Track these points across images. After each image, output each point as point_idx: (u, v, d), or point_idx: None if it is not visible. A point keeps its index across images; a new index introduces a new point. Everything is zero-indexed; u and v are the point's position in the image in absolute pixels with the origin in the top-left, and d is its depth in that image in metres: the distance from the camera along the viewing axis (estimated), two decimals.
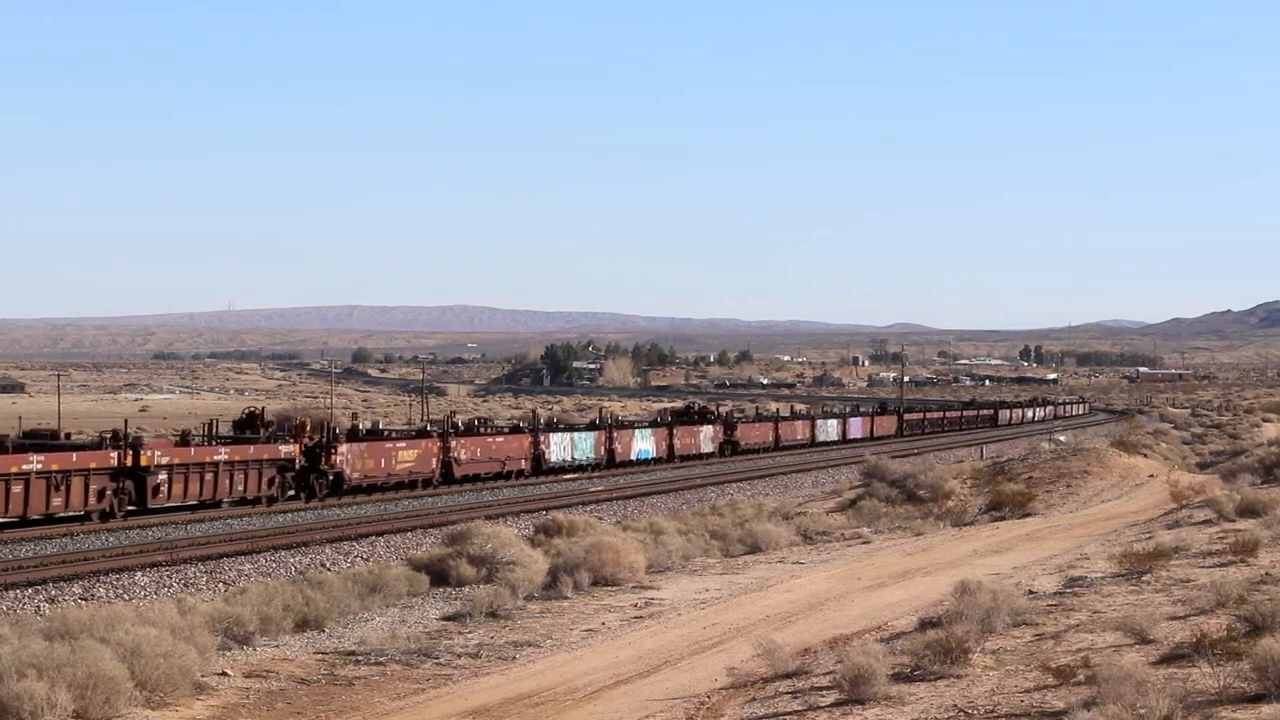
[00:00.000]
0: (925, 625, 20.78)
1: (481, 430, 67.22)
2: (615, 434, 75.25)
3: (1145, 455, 66.04)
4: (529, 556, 31.89)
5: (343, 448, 52.60)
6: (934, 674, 17.52)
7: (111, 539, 38.76)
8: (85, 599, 28.59)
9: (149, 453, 43.58)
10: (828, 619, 25.29)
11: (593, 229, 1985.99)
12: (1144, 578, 24.53)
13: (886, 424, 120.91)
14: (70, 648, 18.75)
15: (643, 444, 78.00)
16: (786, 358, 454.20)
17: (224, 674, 21.23)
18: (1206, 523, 34.71)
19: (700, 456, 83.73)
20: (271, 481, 48.73)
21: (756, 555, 37.53)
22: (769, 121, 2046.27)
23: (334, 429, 53.79)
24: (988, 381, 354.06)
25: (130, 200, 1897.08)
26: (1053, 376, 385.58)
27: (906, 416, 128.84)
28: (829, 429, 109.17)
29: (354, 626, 25.99)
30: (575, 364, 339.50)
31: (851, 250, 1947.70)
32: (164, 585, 30.88)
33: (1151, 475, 55.98)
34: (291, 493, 50.04)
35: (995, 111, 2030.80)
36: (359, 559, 35.96)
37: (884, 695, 16.65)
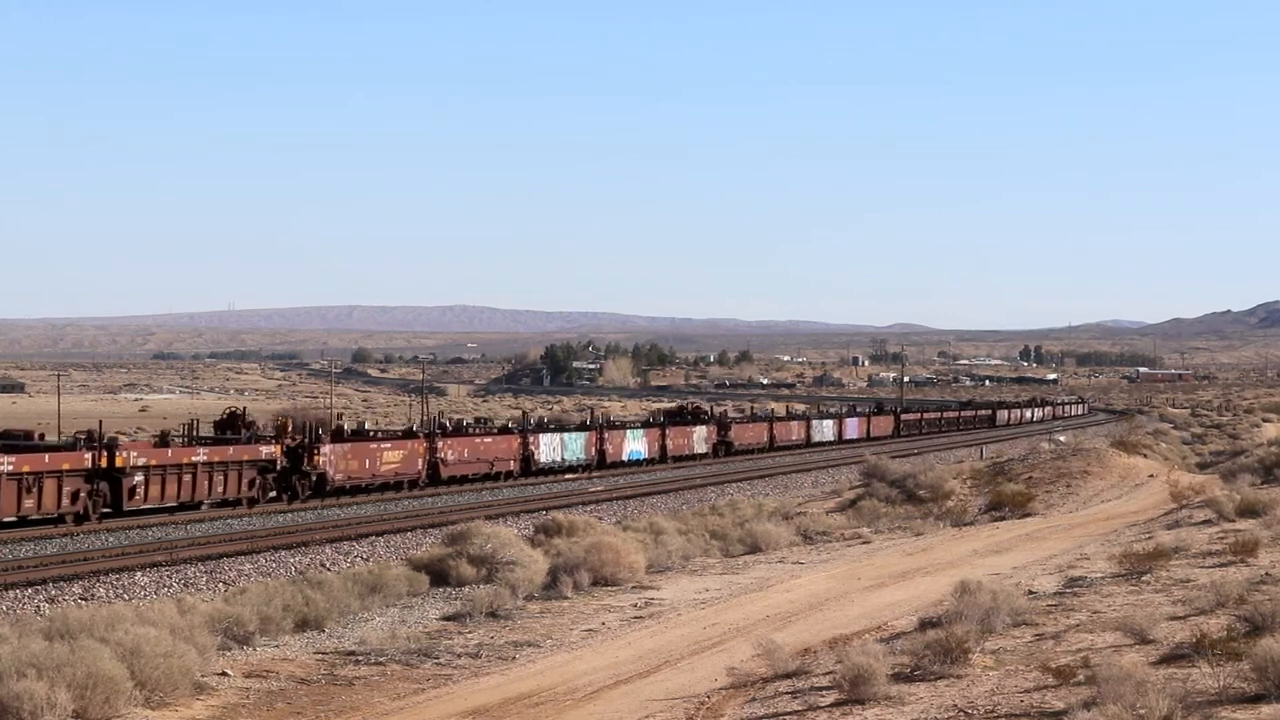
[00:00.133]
0: (925, 625, 20.78)
1: (469, 430, 66.65)
2: (606, 434, 74.52)
3: (1145, 455, 66.02)
4: (529, 556, 31.88)
5: (325, 448, 51.69)
6: (934, 674, 17.52)
7: (111, 539, 38.74)
8: (85, 599, 28.59)
9: (124, 454, 42.62)
10: (828, 619, 25.29)
11: (593, 229, 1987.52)
12: (1144, 578, 24.53)
13: (883, 424, 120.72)
14: (70, 648, 18.75)
15: (635, 445, 77.37)
16: (786, 358, 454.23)
17: (224, 674, 21.23)
18: (1206, 523, 34.71)
19: (693, 457, 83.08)
20: (252, 483, 47.81)
21: (756, 555, 37.52)
22: (769, 121, 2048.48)
23: (317, 429, 52.90)
24: (987, 382, 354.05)
25: (130, 200, 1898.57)
26: (1052, 377, 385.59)
27: (903, 417, 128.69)
28: (824, 429, 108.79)
29: (354, 626, 25.99)
30: (575, 364, 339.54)
31: (851, 250, 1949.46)
32: (164, 585, 30.88)
33: (1151, 475, 55.97)
34: (273, 494, 49.20)
35: (995, 111, 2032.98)
36: (359, 559, 35.96)
37: (884, 695, 16.65)
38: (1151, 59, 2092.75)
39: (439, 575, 31.08)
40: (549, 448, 68.24)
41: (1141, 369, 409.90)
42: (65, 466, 40.37)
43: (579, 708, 18.82)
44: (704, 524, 42.96)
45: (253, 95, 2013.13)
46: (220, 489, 46.39)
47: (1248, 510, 34.30)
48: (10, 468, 38.46)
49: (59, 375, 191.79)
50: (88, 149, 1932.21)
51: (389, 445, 56.60)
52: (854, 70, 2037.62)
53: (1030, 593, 24.65)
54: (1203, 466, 72.51)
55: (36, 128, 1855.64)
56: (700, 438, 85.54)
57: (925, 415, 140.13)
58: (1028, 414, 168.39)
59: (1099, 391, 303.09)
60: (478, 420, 77.39)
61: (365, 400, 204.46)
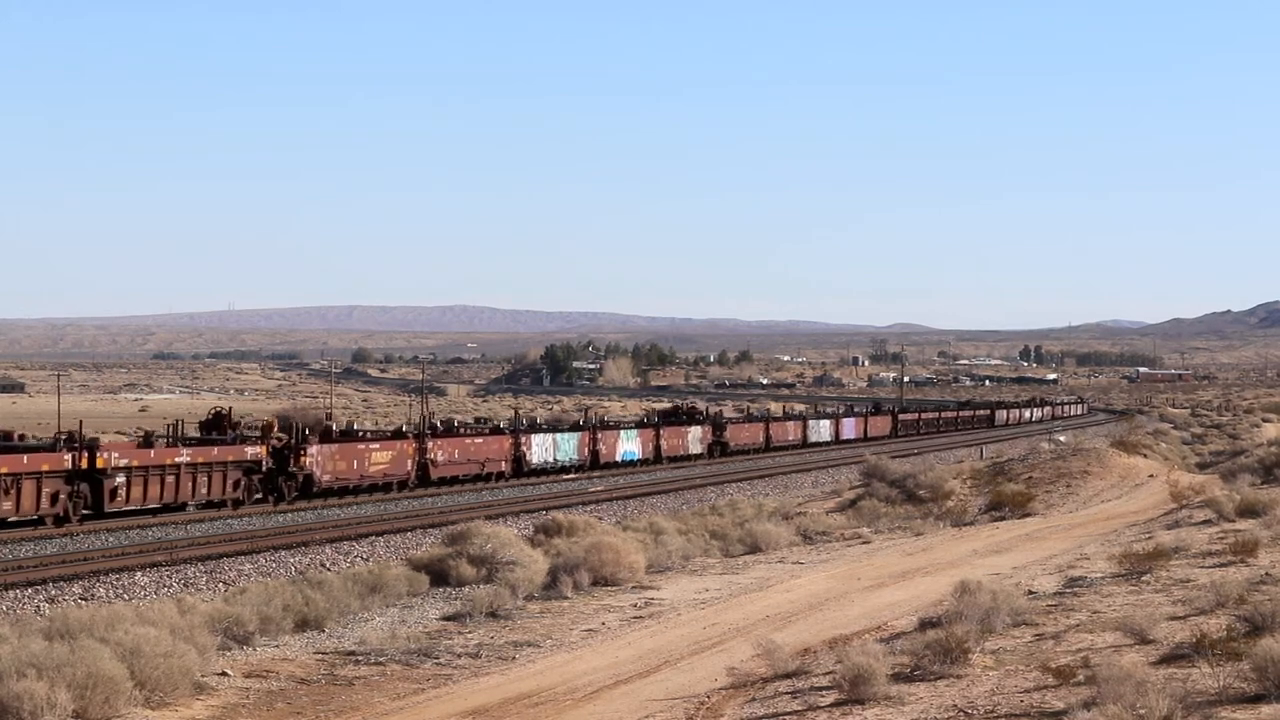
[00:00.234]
0: (925, 625, 20.78)
1: (460, 431, 66.21)
2: (600, 435, 74.05)
3: (1145, 455, 66.01)
4: (529, 556, 31.88)
5: (312, 449, 50.85)
6: (934, 674, 17.52)
7: (111, 539, 38.71)
8: (85, 599, 28.59)
9: (105, 455, 41.78)
10: (827, 619, 25.28)
11: (593, 229, 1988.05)
12: (1144, 578, 24.53)
13: (881, 424, 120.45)
14: (70, 648, 18.74)
15: (628, 445, 76.92)
16: (786, 358, 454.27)
17: (224, 674, 21.23)
18: (1206, 523, 34.72)
19: (688, 458, 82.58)
20: (237, 484, 47.06)
21: (756, 555, 37.51)
22: (769, 121, 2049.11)
23: (304, 429, 51.94)
24: (987, 382, 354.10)
25: (130, 200, 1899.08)
26: (1052, 377, 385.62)
27: (901, 417, 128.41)
28: (821, 430, 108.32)
29: (354, 626, 25.98)
30: (575, 364, 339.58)
31: (851, 250, 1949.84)
32: (164, 585, 30.88)
33: (1151, 475, 55.97)
34: (259, 496, 48.50)
35: (995, 111, 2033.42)
36: (359, 559, 35.96)
37: (884, 695, 16.65)
38: (1151, 59, 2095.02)
39: (439, 575, 31.07)
40: (541, 448, 67.74)
41: (1141, 369, 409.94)
42: (44, 468, 39.60)
43: (579, 708, 18.82)
44: (704, 524, 42.95)
45: (253, 95, 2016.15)
46: (204, 490, 45.59)
47: (1247, 510, 34.30)
48: None
49: (59, 375, 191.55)
50: (88, 149, 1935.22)
51: (378, 446, 55.68)
52: (854, 70, 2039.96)
53: (1030, 593, 24.65)
54: (1202, 466, 72.50)
55: (36, 128, 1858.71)
56: (695, 438, 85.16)
57: (923, 415, 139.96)
58: (1027, 414, 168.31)
59: (1099, 391, 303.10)
60: (477, 420, 77.25)
61: (365, 400, 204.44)
